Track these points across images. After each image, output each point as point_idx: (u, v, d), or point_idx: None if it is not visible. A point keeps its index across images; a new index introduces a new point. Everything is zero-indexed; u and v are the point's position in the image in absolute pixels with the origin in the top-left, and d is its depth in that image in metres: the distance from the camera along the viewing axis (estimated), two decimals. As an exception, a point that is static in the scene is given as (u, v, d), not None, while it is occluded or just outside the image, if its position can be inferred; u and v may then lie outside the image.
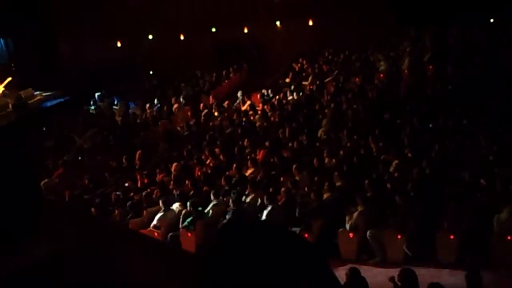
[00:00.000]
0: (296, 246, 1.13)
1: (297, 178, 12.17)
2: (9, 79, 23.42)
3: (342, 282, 7.46)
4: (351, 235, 10.40)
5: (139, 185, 13.87)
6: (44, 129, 19.66)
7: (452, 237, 9.67)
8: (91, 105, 22.07)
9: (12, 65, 26.33)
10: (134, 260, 1.85)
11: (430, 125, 14.29)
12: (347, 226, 10.45)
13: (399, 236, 10.06)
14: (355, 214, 10.45)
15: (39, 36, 25.88)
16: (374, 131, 14.01)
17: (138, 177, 14.21)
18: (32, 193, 1.75)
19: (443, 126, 14.04)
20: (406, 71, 19.85)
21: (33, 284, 1.26)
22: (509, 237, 9.40)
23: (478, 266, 8.43)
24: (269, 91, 20.91)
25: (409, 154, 12.54)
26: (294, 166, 12.62)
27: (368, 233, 10.24)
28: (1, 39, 26.93)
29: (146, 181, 13.93)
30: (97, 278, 1.36)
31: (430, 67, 19.34)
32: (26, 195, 1.69)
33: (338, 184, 11.64)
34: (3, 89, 22.97)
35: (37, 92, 24.47)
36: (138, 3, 26.15)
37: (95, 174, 15.14)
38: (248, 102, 19.90)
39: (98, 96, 22.66)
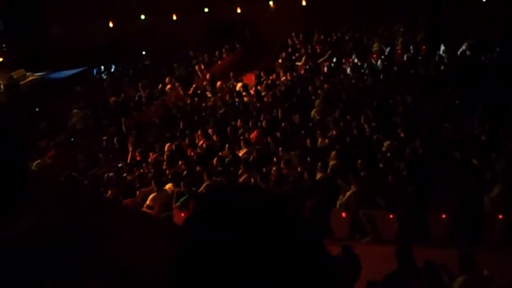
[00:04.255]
0: (287, 214, 1.12)
1: (288, 158, 12.18)
2: (0, 59, 23.27)
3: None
4: (343, 214, 10.44)
5: (129, 160, 13.89)
6: (36, 109, 19.58)
7: (444, 216, 9.72)
8: (83, 85, 21.98)
9: (3, 45, 26.14)
10: (125, 233, 1.84)
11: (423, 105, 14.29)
12: (340, 206, 10.48)
13: (391, 216, 10.10)
14: (347, 194, 10.48)
15: (30, 16, 25.67)
16: (367, 112, 14.02)
17: (130, 156, 14.21)
18: (19, 169, 1.74)
19: (436, 106, 14.05)
20: (399, 51, 19.82)
21: (17, 255, 1.26)
22: (500, 216, 9.45)
23: (470, 245, 8.49)
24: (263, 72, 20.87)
25: (402, 134, 12.56)
26: (279, 149, 12.67)
27: (360, 212, 10.28)
28: (-8, 20, 26.72)
29: (139, 158, 13.94)
30: (83, 250, 1.35)
31: (423, 47, 19.31)
32: (12, 171, 1.68)
33: (331, 164, 11.66)
34: (-6, 69, 22.85)
35: (29, 73, 24.32)
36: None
37: (88, 155, 15.11)
38: (241, 83, 19.85)
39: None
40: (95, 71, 23.16)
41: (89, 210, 2.16)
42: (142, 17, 27.10)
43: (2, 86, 21.75)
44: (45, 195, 2.05)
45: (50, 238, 1.37)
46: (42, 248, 1.34)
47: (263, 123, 14.83)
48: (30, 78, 23.92)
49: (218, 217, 1.10)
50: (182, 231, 1.15)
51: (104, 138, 16.10)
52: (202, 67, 22.16)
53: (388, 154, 11.77)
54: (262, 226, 1.08)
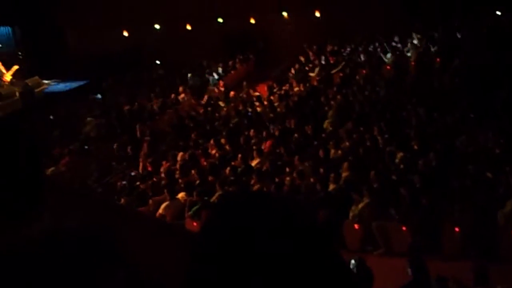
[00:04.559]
0: (300, 220, 1.12)
1: (301, 168, 12.17)
2: (16, 67, 23.46)
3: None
4: (356, 226, 10.40)
5: (141, 171, 13.92)
6: (51, 117, 19.69)
7: (457, 229, 9.66)
8: (97, 94, 22.08)
9: (19, 53, 26.36)
10: (139, 239, 1.86)
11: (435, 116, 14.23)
12: (353, 218, 10.44)
13: (404, 228, 10.05)
14: (360, 205, 10.44)
15: (46, 24, 25.89)
16: (380, 123, 13.98)
17: (141, 164, 14.26)
18: (35, 174, 1.76)
19: (450, 118, 13.99)
20: (413, 63, 19.77)
21: (33, 258, 1.26)
22: (514, 231, 9.37)
23: (484, 259, 8.42)
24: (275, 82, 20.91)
25: (415, 147, 12.51)
26: (296, 158, 12.65)
27: (373, 224, 10.24)
28: (8, 27, 26.97)
29: (150, 168, 13.96)
30: (98, 255, 1.36)
31: (437, 59, 19.26)
32: (28, 176, 1.70)
33: (344, 175, 11.63)
34: (10, 77, 23.01)
35: (44, 81, 24.50)
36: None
37: (102, 163, 15.17)
38: (256, 93, 19.89)
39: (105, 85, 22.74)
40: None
41: (104, 216, 2.17)
42: (157, 26, 27.26)
43: (17, 94, 21.92)
44: (61, 201, 2.06)
45: (66, 243, 1.38)
46: (57, 253, 1.34)
47: (276, 134, 14.83)
48: (45, 86, 24.10)
49: (233, 224, 1.10)
50: (197, 238, 1.15)
51: (117, 146, 16.16)
52: (221, 84, 22.11)
53: (401, 166, 11.72)
54: (277, 233, 1.07)
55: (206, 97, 19.97)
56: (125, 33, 27.39)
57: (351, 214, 10.50)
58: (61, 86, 23.89)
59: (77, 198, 2.16)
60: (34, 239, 1.36)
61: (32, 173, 1.70)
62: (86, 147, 16.52)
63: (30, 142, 1.73)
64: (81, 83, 24.21)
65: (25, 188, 1.66)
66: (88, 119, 18.50)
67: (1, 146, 1.65)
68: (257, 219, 1.08)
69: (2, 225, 1.56)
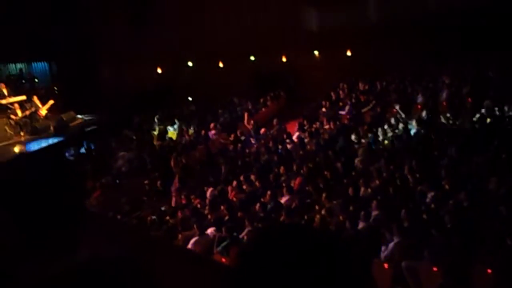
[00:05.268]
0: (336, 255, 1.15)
1: (330, 206, 12.13)
2: (52, 101, 23.90)
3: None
4: (386, 265, 10.28)
5: (174, 204, 14.00)
6: (84, 151, 19.98)
7: (489, 271, 9.49)
8: (130, 129, 22.37)
9: (55, 88, 26.90)
10: (171, 271, 1.91)
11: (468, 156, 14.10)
12: (382, 257, 10.34)
13: (434, 269, 9.90)
14: (390, 245, 10.34)
15: (81, 60, 26.46)
16: (410, 162, 13.90)
17: (174, 199, 14.35)
18: (76, 205, 1.83)
19: (481, 158, 13.84)
20: (444, 103, 19.67)
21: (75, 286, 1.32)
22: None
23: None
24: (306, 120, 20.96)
25: (447, 186, 12.39)
26: (324, 195, 12.62)
27: (403, 264, 10.11)
28: (45, 63, 27.63)
29: (184, 201, 14.06)
30: (133, 285, 1.42)
31: (469, 99, 19.14)
32: (70, 206, 1.77)
33: (374, 214, 11.56)
34: (45, 111, 23.45)
35: (79, 116, 24.92)
36: (178, 31, 26.58)
37: (133, 197, 15.32)
38: (287, 130, 19.97)
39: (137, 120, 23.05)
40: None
41: (139, 247, 2.23)
42: (190, 63, 27.68)
43: (51, 128, 22.30)
44: (97, 232, 2.13)
45: (102, 273, 1.44)
46: (93, 282, 1.40)
47: (305, 171, 14.83)
48: (80, 120, 24.49)
49: (266, 259, 1.13)
50: (231, 273, 1.19)
51: (148, 181, 16.31)
52: (246, 115, 22.34)
53: (432, 206, 11.61)
54: (310, 267, 1.10)
55: (237, 133, 20.08)
56: (159, 70, 27.87)
57: (382, 254, 10.40)
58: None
59: (112, 229, 2.22)
60: (72, 269, 1.43)
61: (68, 205, 1.77)
62: (117, 181, 16.71)
63: (65, 175, 1.81)
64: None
65: (62, 220, 1.73)
66: (120, 153, 18.74)
67: (37, 179, 1.73)
68: (290, 255, 1.12)
69: (40, 256, 1.63)
